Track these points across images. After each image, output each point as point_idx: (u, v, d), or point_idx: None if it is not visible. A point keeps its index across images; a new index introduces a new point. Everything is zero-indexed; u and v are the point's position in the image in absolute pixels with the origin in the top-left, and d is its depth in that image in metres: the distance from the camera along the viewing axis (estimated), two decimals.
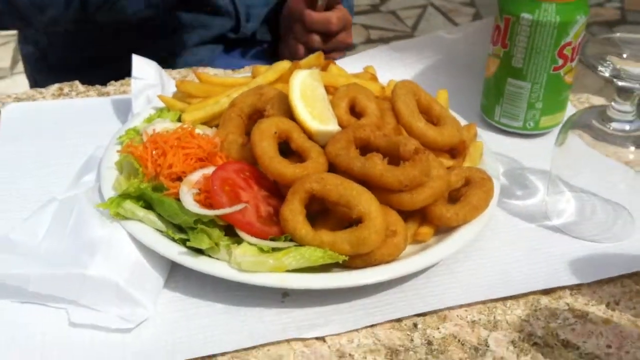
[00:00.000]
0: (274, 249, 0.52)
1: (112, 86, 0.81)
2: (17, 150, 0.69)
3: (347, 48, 0.95)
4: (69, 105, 0.77)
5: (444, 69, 0.82)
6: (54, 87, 0.81)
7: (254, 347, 0.50)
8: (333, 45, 0.92)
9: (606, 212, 0.62)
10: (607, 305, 0.54)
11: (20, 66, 2.34)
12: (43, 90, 0.80)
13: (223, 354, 0.49)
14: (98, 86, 0.81)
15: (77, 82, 0.81)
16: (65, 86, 0.81)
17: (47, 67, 1.06)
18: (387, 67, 0.78)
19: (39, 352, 0.49)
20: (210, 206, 0.53)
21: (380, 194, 0.55)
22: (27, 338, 0.50)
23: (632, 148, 0.57)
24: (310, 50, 0.90)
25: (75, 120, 0.74)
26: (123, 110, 0.74)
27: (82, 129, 0.72)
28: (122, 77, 0.82)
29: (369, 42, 2.60)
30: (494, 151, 0.67)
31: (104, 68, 0.93)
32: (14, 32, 2.48)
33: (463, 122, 0.67)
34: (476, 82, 0.76)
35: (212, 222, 0.53)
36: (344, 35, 0.92)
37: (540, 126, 0.72)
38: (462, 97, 0.76)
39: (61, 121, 0.74)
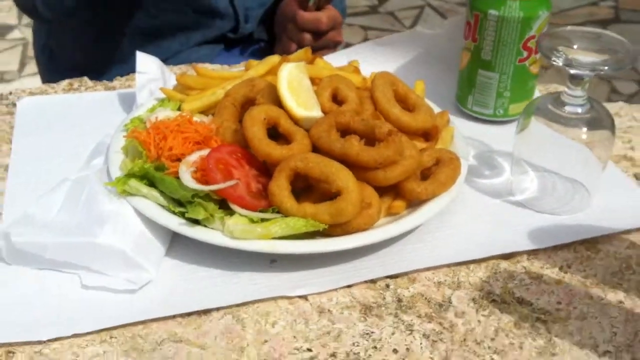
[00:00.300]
0: (263, 220, 0.59)
1: (118, 81, 0.88)
2: (32, 141, 0.76)
3: (337, 46, 1.01)
4: (79, 99, 0.84)
5: (423, 62, 0.89)
6: (65, 83, 0.88)
7: (244, 305, 0.57)
8: (323, 43, 0.99)
9: (565, 188, 0.68)
10: (560, 268, 0.61)
11: (27, 69, 2.42)
12: (54, 85, 0.87)
13: (217, 310, 0.56)
14: (105, 81, 0.88)
15: (85, 78, 0.88)
16: (75, 82, 0.88)
17: (57, 67, 1.13)
18: (371, 61, 0.85)
19: (55, 312, 0.56)
20: (206, 182, 0.60)
21: (357, 171, 0.61)
22: (44, 300, 0.57)
23: (585, 129, 0.64)
24: (302, 47, 0.96)
25: (85, 112, 0.81)
26: (128, 102, 0.81)
27: (91, 120, 0.78)
28: (127, 74, 0.89)
29: None
30: (465, 136, 0.74)
31: (109, 69, 1.00)
32: (22, 36, 2.57)
33: (438, 109, 0.74)
34: (452, 74, 0.83)
35: (207, 196, 0.60)
36: (334, 33, 0.99)
37: (509, 113, 0.78)
38: (439, 88, 0.82)
39: (72, 113, 0.81)
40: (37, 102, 0.83)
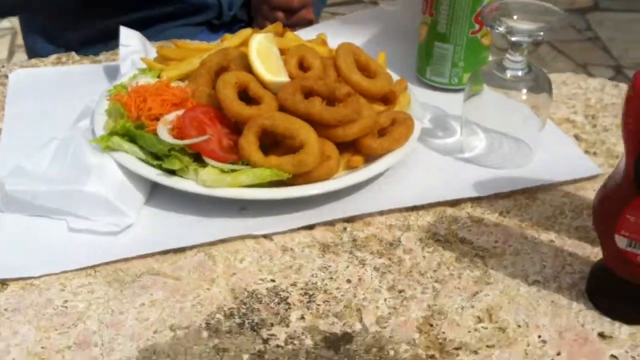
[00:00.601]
0: (232, 171, 0.66)
1: (104, 55, 0.94)
2: (24, 107, 0.82)
3: (310, 24, 1.08)
4: (67, 71, 0.90)
5: (387, 36, 0.96)
6: (53, 57, 0.94)
7: (215, 244, 0.63)
8: (295, 20, 1.05)
9: (510, 145, 0.75)
10: (500, 213, 0.68)
11: (16, 58, 2.47)
12: (44, 59, 0.93)
13: (191, 248, 0.63)
14: (92, 56, 0.94)
15: (73, 53, 0.95)
16: (63, 56, 0.94)
17: (46, 53, 1.19)
18: (338, 36, 0.91)
19: (45, 252, 0.62)
20: (181, 138, 0.66)
21: (319, 129, 0.68)
22: (35, 241, 0.63)
23: (525, 90, 0.70)
24: None
25: (73, 82, 0.87)
26: (113, 73, 0.87)
27: (79, 89, 0.85)
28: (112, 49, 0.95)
29: None
30: (422, 102, 0.81)
31: (96, 46, 1.06)
32: (11, 26, 2.62)
33: (397, 78, 0.81)
34: (413, 47, 0.89)
35: (182, 150, 0.66)
36: (305, 11, 1.06)
37: (463, 82, 0.85)
38: (401, 60, 0.89)
39: (60, 84, 0.87)
40: (29, 73, 0.89)
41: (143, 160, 0.68)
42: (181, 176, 0.66)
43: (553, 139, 0.78)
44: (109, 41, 0.92)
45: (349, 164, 0.70)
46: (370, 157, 0.71)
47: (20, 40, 2.01)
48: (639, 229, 0.51)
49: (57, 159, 0.68)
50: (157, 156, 0.67)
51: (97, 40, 1.04)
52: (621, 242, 0.52)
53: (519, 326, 0.56)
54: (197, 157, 0.67)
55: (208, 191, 0.64)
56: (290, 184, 0.67)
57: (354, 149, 0.71)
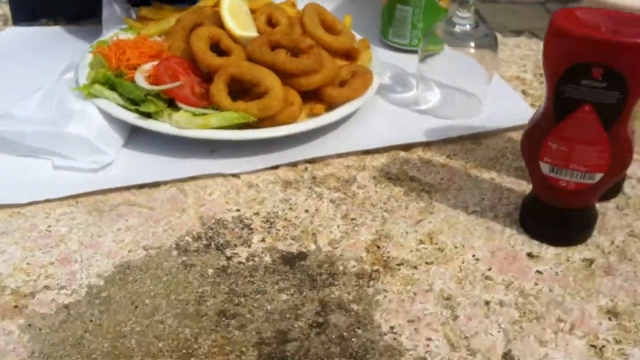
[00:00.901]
0: (203, 114, 0.72)
1: (87, 20, 1.00)
2: (11, 65, 0.88)
3: None
4: (54, 31, 0.96)
5: (354, 2, 1.02)
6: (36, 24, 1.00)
7: (187, 180, 0.70)
8: None
9: (461, 99, 0.82)
10: (447, 156, 0.74)
11: None
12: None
13: (165, 183, 0.69)
14: (72, 25, 1.00)
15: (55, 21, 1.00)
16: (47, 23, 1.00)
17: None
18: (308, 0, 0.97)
19: (31, 184, 0.68)
20: (156, 85, 0.73)
21: (284, 78, 0.74)
22: (22, 177, 0.69)
23: (473, 44, 0.77)
24: None
25: (58, 42, 0.93)
26: (97, 34, 0.93)
27: (63, 47, 0.91)
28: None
29: None
30: (384, 61, 0.87)
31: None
32: (2, 12, 2.66)
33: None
34: (378, 13, 0.96)
35: (157, 96, 0.72)
36: None
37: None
38: (368, 24, 0.95)
39: (46, 42, 0.93)
40: (18, 32, 0.95)
41: (122, 106, 0.74)
42: (156, 119, 0.72)
43: (502, 93, 0.84)
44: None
45: (311, 111, 0.76)
46: (331, 106, 0.77)
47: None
48: (559, 155, 0.57)
49: (43, 105, 0.74)
50: (134, 102, 0.73)
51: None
52: (545, 168, 0.59)
53: (456, 247, 0.62)
54: (171, 103, 0.73)
55: (180, 132, 0.71)
56: (256, 128, 0.73)
57: (317, 99, 0.77)
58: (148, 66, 0.75)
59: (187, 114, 0.71)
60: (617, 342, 0.54)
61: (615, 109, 0.54)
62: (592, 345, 0.53)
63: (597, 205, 0.65)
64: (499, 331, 0.54)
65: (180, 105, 0.72)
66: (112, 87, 0.75)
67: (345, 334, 0.53)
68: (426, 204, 0.67)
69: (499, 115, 0.80)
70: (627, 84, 0.52)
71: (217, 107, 0.73)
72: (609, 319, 0.55)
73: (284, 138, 0.73)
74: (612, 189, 0.68)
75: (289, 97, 0.73)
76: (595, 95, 0.53)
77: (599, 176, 0.57)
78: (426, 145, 0.76)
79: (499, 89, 0.83)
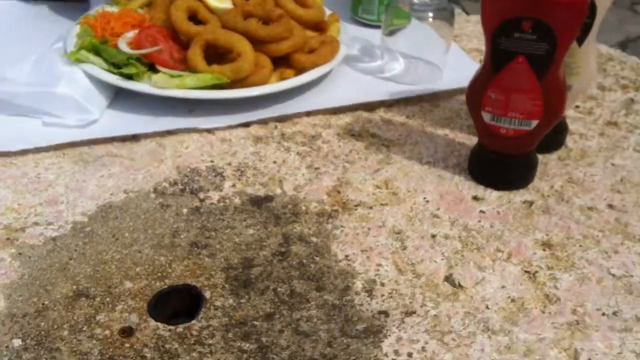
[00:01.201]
0: (180, 76, 0.78)
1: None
2: (3, 36, 0.94)
3: None
4: (42, 6, 1.02)
5: None
6: None
7: (165, 136, 0.76)
8: None
9: (423, 66, 0.88)
10: (407, 116, 0.81)
11: None
12: None
13: (145, 138, 0.75)
14: (61, 2, 1.06)
15: None
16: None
17: None
18: None
19: (22, 136, 0.74)
20: (138, 50, 0.79)
21: (255, 44, 0.80)
22: (14, 132, 0.75)
23: (431, 14, 0.83)
24: None
25: (47, 17, 0.99)
26: (84, 9, 0.99)
27: (52, 19, 0.97)
28: None
29: None
30: (353, 36, 0.93)
31: None
32: None
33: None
34: None
35: (139, 60, 0.79)
36: None
37: None
38: (338, 1, 1.02)
39: (37, 16, 0.99)
40: (10, 4, 1.01)
41: (106, 70, 0.80)
42: (137, 81, 0.78)
43: (461, 63, 0.91)
44: None
45: (281, 76, 0.83)
46: (300, 72, 0.83)
47: None
48: (498, 105, 0.64)
49: (34, 70, 0.80)
50: (117, 66, 0.80)
51: None
52: (486, 117, 0.65)
53: (409, 191, 0.69)
54: (151, 68, 0.80)
55: (159, 91, 0.77)
56: (230, 88, 0.79)
57: (287, 64, 0.83)
58: (130, 34, 0.81)
59: (165, 76, 0.78)
60: (549, 268, 0.60)
61: (545, 59, 0.60)
62: (526, 271, 0.60)
63: (540, 157, 0.71)
64: (442, 259, 0.60)
65: (159, 68, 0.78)
66: (97, 53, 0.81)
67: (304, 261, 0.60)
68: (384, 156, 0.74)
69: (457, 81, 0.86)
70: (555, 36, 0.59)
71: (194, 70, 0.79)
72: (543, 249, 0.62)
73: (255, 98, 0.79)
74: (555, 142, 0.74)
75: (260, 61, 0.80)
76: (527, 46, 0.60)
77: (534, 123, 0.64)
78: (387, 106, 0.82)
79: (458, 59, 0.90)
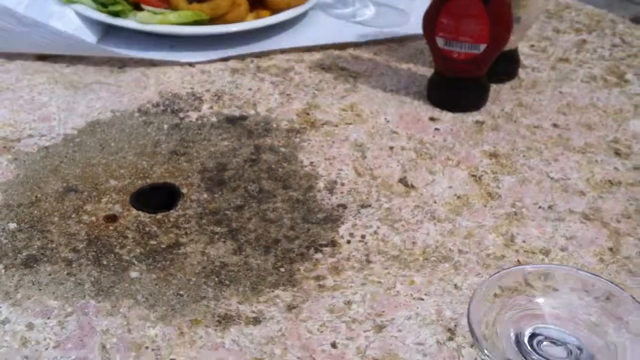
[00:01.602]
0: (163, 13, 0.85)
1: None
2: None
3: None
4: None
5: None
6: None
7: (149, 68, 0.82)
8: None
9: (391, 13, 0.95)
10: (375, 53, 0.87)
11: None
12: None
13: (131, 68, 0.81)
14: None
15: None
16: None
17: None
18: None
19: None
20: None
21: None
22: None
23: None
24: None
25: None
26: None
27: None
28: None
29: None
30: None
31: None
32: None
33: None
34: None
35: (125, 0, 0.85)
36: None
37: None
38: None
39: None
40: None
41: (95, 9, 0.86)
42: (124, 18, 0.85)
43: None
44: None
45: (257, 16, 0.89)
46: (275, 13, 0.90)
47: None
48: (451, 30, 0.70)
49: (28, 11, 0.86)
50: (105, 5, 0.86)
51: None
52: (440, 42, 0.72)
53: (372, 113, 0.75)
54: (137, 7, 0.86)
55: (143, 27, 0.83)
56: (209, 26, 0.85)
57: (263, 6, 0.90)
58: None
59: (149, 13, 0.84)
60: (494, 172, 0.67)
61: None
62: (472, 175, 0.66)
63: (494, 87, 0.78)
64: (397, 165, 0.67)
65: (143, 6, 0.85)
66: None
67: (273, 166, 0.66)
68: (351, 85, 0.80)
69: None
70: None
71: (175, 8, 0.85)
72: (490, 158, 0.68)
73: (233, 36, 0.85)
74: (508, 73, 0.81)
75: (236, 0, 0.86)
76: None
77: (482, 47, 0.70)
78: (357, 46, 0.88)
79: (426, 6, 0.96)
